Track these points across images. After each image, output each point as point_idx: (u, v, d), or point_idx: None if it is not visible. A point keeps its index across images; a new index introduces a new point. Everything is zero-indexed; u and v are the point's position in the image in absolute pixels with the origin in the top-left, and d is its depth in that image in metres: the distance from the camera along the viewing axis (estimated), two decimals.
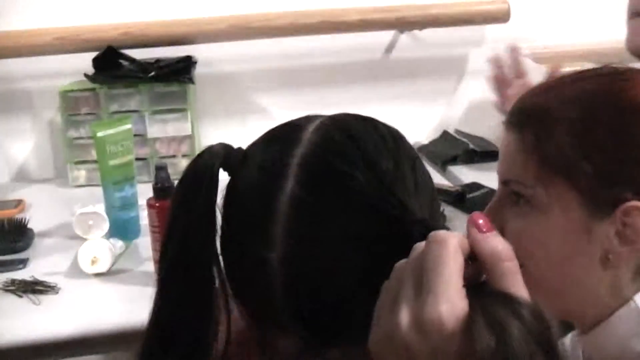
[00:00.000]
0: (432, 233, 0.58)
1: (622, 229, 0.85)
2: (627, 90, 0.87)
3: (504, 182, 0.94)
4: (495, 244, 0.57)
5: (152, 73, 1.99)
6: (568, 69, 1.53)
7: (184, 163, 2.03)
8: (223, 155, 0.72)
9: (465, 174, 2.08)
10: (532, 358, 0.51)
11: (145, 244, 1.58)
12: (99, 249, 1.48)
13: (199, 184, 0.70)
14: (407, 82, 2.39)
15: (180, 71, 2.02)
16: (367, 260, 0.66)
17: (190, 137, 2.05)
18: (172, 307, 0.73)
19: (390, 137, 0.71)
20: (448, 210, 1.77)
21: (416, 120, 2.32)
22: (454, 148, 2.25)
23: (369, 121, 0.74)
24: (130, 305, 1.35)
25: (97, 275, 1.48)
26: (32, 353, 1.30)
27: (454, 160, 2.18)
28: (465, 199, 1.85)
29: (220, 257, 0.72)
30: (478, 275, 0.58)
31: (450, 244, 0.56)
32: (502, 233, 0.91)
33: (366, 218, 0.65)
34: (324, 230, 0.66)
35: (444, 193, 1.84)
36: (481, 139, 2.28)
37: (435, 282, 0.55)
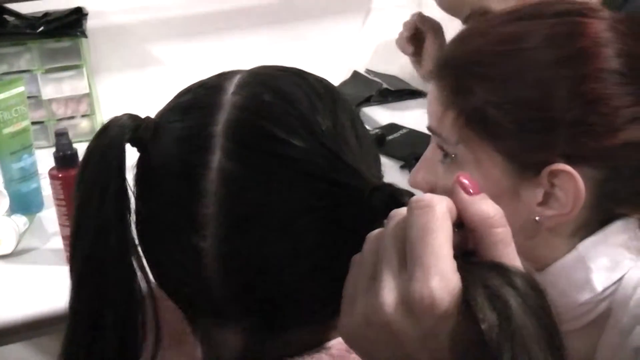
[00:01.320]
0: (415, 198, 0.50)
1: (551, 191, 0.79)
2: (559, 40, 0.80)
3: (428, 128, 0.88)
4: (486, 208, 0.50)
5: (41, 28, 1.83)
6: None
7: (84, 124, 1.89)
8: (131, 128, 0.62)
9: (381, 115, 2.01)
10: (532, 331, 0.46)
11: (50, 217, 1.47)
12: (2, 228, 1.35)
13: (107, 163, 0.61)
14: (311, 23, 2.29)
15: (71, 25, 1.87)
16: (318, 239, 0.58)
17: (88, 95, 1.90)
18: (90, 306, 0.63)
19: (324, 91, 0.63)
20: None
21: (324, 61, 2.23)
22: (366, 88, 2.17)
23: (296, 74, 0.64)
24: (42, 288, 1.26)
25: (2, 257, 1.35)
26: None
27: (367, 101, 2.11)
28: (385, 141, 1.79)
29: (139, 247, 0.64)
30: (465, 244, 0.51)
31: (438, 210, 0.49)
32: (435, 189, 0.85)
33: (313, 190, 0.57)
34: (263, 208, 0.57)
35: None
36: (394, 77, 2.22)
37: (423, 253, 0.48)
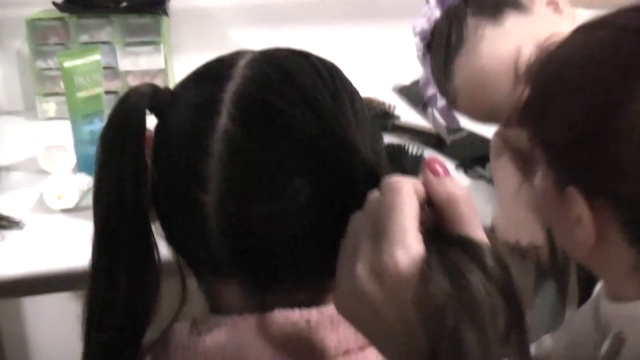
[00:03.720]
0: (386, 179, 0.56)
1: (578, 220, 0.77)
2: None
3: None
4: (451, 187, 0.56)
5: (124, 3, 1.91)
6: None
7: None
8: (150, 95, 0.68)
9: None
10: (493, 303, 0.50)
11: None
12: (65, 184, 1.42)
13: (127, 126, 0.67)
14: (391, 20, 2.30)
15: (154, 3, 1.95)
16: (308, 201, 0.63)
17: (163, 72, 1.98)
18: (109, 257, 0.70)
19: (325, 71, 0.68)
20: (428, 153, 1.73)
21: (399, 59, 2.26)
22: None
23: (302, 55, 0.71)
24: None
25: (64, 211, 1.43)
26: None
27: None
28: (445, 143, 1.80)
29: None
30: (435, 221, 0.56)
31: (403, 189, 0.55)
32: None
33: (305, 156, 0.63)
34: (260, 169, 0.62)
35: (424, 135, 1.81)
36: None
37: (389, 228, 0.54)
